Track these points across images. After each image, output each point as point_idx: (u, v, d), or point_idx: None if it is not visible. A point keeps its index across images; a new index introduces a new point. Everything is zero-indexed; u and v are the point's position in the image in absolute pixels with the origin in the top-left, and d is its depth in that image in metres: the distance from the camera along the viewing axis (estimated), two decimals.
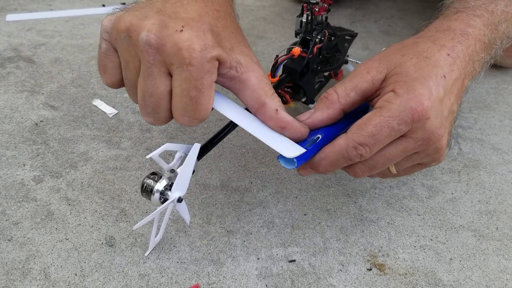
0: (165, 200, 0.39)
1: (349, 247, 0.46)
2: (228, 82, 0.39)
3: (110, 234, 0.46)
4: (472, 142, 0.62)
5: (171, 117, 0.38)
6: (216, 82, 0.38)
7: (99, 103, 0.66)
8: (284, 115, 0.39)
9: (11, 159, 0.54)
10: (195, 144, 0.39)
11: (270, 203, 0.51)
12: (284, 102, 0.58)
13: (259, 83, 0.39)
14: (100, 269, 0.42)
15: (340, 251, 0.46)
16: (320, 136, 0.40)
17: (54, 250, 0.44)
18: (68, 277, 0.41)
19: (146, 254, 0.44)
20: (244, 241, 0.46)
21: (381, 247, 0.47)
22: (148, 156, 0.37)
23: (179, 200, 0.39)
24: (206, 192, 0.52)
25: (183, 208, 0.41)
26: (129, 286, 0.41)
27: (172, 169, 0.40)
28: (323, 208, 0.51)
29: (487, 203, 0.53)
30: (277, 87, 0.54)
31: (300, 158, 0.38)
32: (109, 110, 0.65)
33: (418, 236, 0.48)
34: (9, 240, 0.44)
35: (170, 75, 0.36)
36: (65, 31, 0.84)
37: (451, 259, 0.46)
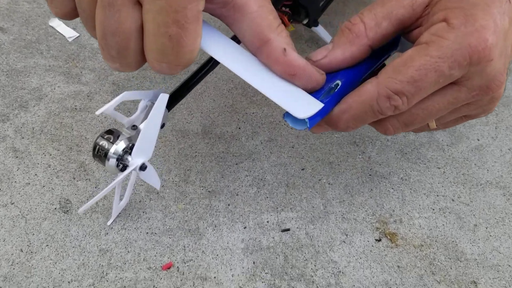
0: (125, 167, 0.30)
1: (354, 211, 0.39)
2: (219, 10, 0.28)
3: (66, 196, 0.38)
4: None
5: (144, 60, 0.28)
6: (204, 10, 0.27)
7: (57, 24, 0.54)
8: (295, 57, 0.28)
9: None
10: (162, 94, 0.29)
11: (261, 155, 0.42)
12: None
13: (261, 10, 0.28)
14: (51, 243, 0.35)
15: (344, 217, 0.38)
16: (339, 82, 0.30)
17: None
18: (12, 254, 0.34)
19: (109, 223, 0.36)
20: (229, 205, 0.38)
21: (393, 211, 0.39)
22: (98, 112, 0.28)
23: (142, 167, 0.31)
24: (184, 141, 0.43)
25: (149, 175, 0.32)
26: (87, 265, 0.34)
27: (134, 125, 0.31)
28: (325, 161, 0.42)
29: None
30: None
31: (313, 115, 0.28)
32: (69, 32, 0.53)
33: (438, 195, 0.40)
34: None
35: (139, 3, 0.26)
36: None
37: (475, 225, 0.39)
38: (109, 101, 0.44)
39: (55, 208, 0.37)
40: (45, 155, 0.41)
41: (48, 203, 0.37)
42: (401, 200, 0.40)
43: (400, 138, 0.45)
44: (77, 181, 0.39)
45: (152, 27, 0.25)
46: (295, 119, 0.28)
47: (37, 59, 0.49)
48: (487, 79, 0.27)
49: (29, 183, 0.38)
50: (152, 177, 0.32)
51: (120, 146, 0.30)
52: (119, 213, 0.37)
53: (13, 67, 0.48)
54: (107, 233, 0.36)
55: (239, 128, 0.44)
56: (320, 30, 0.51)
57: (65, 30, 0.54)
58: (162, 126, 0.32)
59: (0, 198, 0.37)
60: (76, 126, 0.43)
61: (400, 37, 0.32)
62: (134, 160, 0.30)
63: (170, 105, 0.32)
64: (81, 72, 0.48)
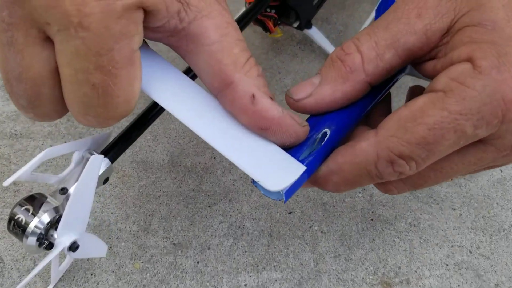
0: (50, 245, 0.23)
1: (352, 268, 0.32)
2: (166, 39, 0.21)
3: None
4: None
5: (66, 108, 0.21)
6: (147, 38, 0.20)
7: None
8: (266, 106, 0.21)
9: None
10: (93, 156, 0.22)
11: (239, 194, 0.35)
12: (266, 30, 0.39)
13: (223, 41, 0.21)
14: None
15: (339, 277, 0.31)
16: (327, 131, 0.23)
17: None
18: None
19: None
20: (198, 262, 0.31)
21: (399, 268, 0.32)
22: (6, 183, 0.21)
23: (72, 247, 0.23)
24: (146, 176, 0.35)
25: (87, 250, 0.25)
26: None
27: (64, 188, 0.24)
28: (317, 201, 0.35)
29: None
30: (254, 10, 0.34)
31: (290, 185, 0.21)
32: None
33: (453, 245, 0.33)
34: None
35: (50, 40, 0.18)
36: None
37: (497, 285, 0.32)
38: (55, 124, 0.37)
39: None
40: None
41: None
42: (408, 253, 0.33)
43: None
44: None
45: (68, 73, 0.18)
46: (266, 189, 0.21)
47: None
48: None
49: None
50: (92, 250, 0.25)
51: (43, 219, 0.23)
52: (61, 277, 0.30)
53: None
54: None
55: (214, 158, 0.37)
56: (314, 32, 0.43)
57: None
58: (106, 181, 0.25)
59: None
60: (14, 157, 0.35)
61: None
62: (61, 239, 0.23)
63: (113, 157, 0.25)
64: None
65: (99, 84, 0.18)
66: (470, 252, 0.33)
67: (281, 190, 0.20)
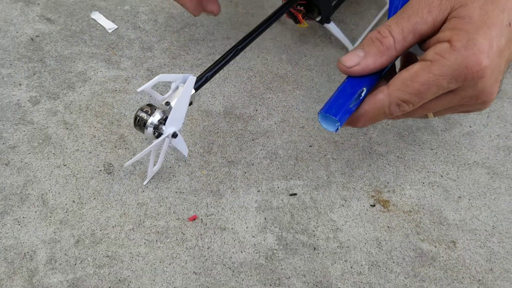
0: (160, 134, 0.37)
1: (353, 181, 0.45)
2: None
3: (109, 161, 0.45)
4: None
5: None
6: None
7: (98, 17, 0.61)
8: None
9: (7, 77, 0.52)
10: (190, 76, 0.36)
11: (274, 133, 0.48)
12: (296, 22, 0.53)
13: None
14: (98, 197, 0.42)
15: (344, 186, 0.44)
16: (365, 89, 0.35)
17: (52, 176, 0.43)
18: (66, 204, 0.41)
19: (145, 183, 0.43)
20: (245, 173, 0.45)
21: (388, 183, 0.45)
22: (139, 89, 0.35)
23: (174, 135, 0.37)
24: (208, 119, 0.49)
25: (179, 143, 0.39)
26: (127, 215, 0.41)
27: (167, 102, 0.38)
28: (330, 140, 0.48)
29: (506, 138, 0.49)
30: (288, 4, 0.48)
31: (342, 117, 0.34)
32: (109, 24, 0.60)
33: (428, 172, 0.46)
34: (6, 164, 0.44)
35: None
36: None
37: (459, 197, 0.44)
38: (145, 83, 0.52)
39: (100, 170, 0.44)
40: (90, 128, 0.48)
41: (94, 166, 0.44)
42: (395, 175, 0.46)
43: (399, 123, 0.50)
44: (118, 149, 0.46)
45: None
46: (327, 119, 0.33)
47: (81, 47, 0.57)
48: (478, 91, 0.32)
49: (78, 150, 0.46)
50: (181, 145, 0.39)
51: (156, 117, 0.37)
52: (153, 176, 0.44)
53: (61, 54, 0.56)
54: (143, 191, 0.43)
55: (256, 110, 0.51)
56: (332, 26, 0.57)
57: (105, 22, 0.61)
58: (190, 104, 0.39)
59: (55, 160, 0.44)
60: (116, 104, 0.50)
61: None
62: (168, 129, 0.37)
63: (197, 87, 0.39)
64: (119, 59, 0.55)
65: None
66: (441, 176, 0.46)
67: (337, 124, 0.33)
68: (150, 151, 0.39)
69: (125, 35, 0.59)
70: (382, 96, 0.33)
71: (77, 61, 0.55)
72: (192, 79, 0.36)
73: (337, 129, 0.33)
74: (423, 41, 0.35)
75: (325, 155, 0.47)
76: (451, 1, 0.33)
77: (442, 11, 0.33)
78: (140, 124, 0.37)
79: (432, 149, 0.48)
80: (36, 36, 0.58)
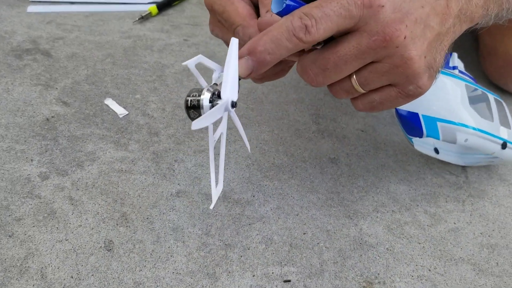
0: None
1: (345, 271, 0.46)
2: None
3: (110, 238, 0.46)
4: (480, 171, 0.61)
5: None
6: None
7: (110, 103, 0.66)
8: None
9: (20, 153, 0.55)
10: (232, 38, 0.35)
11: (270, 219, 0.51)
12: None
13: None
14: (96, 274, 0.43)
15: (336, 275, 0.46)
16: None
17: (53, 250, 0.44)
18: (64, 279, 0.42)
19: (211, 207, 0.40)
20: (241, 256, 0.46)
21: (378, 274, 0.46)
22: (184, 63, 0.34)
23: (233, 104, 0.35)
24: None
25: (237, 120, 0.37)
26: None
27: (214, 83, 0.37)
28: (323, 228, 0.51)
29: (489, 236, 0.52)
30: None
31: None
32: (120, 110, 0.65)
33: (417, 265, 0.48)
34: (10, 236, 0.45)
35: None
36: (84, 26, 0.85)
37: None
38: (148, 167, 0.54)
39: (101, 247, 0.45)
40: (94, 205, 0.50)
41: (95, 242, 0.46)
42: (385, 266, 0.47)
43: (387, 216, 0.53)
44: (119, 227, 0.48)
45: None
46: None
47: (93, 129, 0.61)
48: (381, 24, 0.33)
49: (81, 225, 0.47)
50: (238, 121, 0.38)
51: (207, 95, 0.35)
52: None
53: (73, 134, 0.59)
54: (141, 270, 0.44)
55: (254, 196, 0.53)
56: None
57: (117, 108, 0.66)
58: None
59: (57, 234, 0.46)
60: (121, 183, 0.53)
61: None
62: (224, 96, 0.34)
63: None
64: (128, 142, 0.59)
65: None
66: (429, 270, 0.48)
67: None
68: (221, 117, 0.35)
69: (134, 121, 0.63)
70: (287, 15, 0.34)
71: (87, 142, 0.58)
72: (235, 41, 0.35)
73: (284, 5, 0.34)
74: None
75: (318, 243, 0.49)
76: None
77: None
78: (194, 105, 0.35)
79: (419, 243, 0.50)
80: (52, 116, 0.62)
